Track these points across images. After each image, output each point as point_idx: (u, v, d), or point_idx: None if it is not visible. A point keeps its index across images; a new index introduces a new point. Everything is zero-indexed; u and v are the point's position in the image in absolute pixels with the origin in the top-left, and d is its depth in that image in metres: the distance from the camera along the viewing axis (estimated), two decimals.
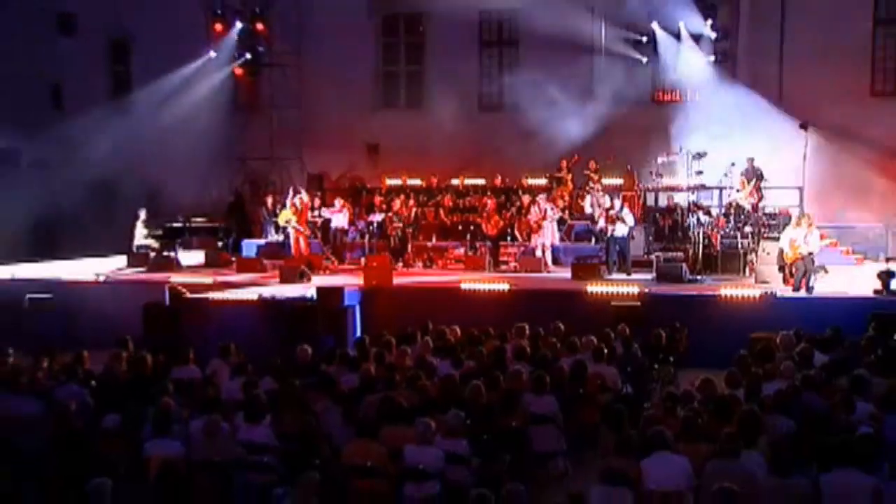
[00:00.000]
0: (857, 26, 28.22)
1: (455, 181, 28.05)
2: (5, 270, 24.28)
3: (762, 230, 22.81)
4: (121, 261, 26.02)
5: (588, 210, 24.68)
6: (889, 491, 8.71)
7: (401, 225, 25.58)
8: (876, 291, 19.48)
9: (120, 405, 12.18)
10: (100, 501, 8.62)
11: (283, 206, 25.74)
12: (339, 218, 25.57)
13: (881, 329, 15.70)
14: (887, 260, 22.26)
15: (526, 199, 25.24)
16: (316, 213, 25.99)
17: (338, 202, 25.95)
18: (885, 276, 19.56)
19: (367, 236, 25.25)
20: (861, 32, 28.28)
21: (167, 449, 10.59)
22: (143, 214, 26.49)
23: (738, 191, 23.60)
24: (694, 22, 28.68)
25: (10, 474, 9.41)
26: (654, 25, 29.06)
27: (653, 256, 22.86)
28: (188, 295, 20.58)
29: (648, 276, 21.85)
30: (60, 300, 21.88)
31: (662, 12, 29.06)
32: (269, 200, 28.02)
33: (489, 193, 26.61)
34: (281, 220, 25.38)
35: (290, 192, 25.77)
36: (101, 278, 23.33)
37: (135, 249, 25.77)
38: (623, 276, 22.17)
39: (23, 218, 32.11)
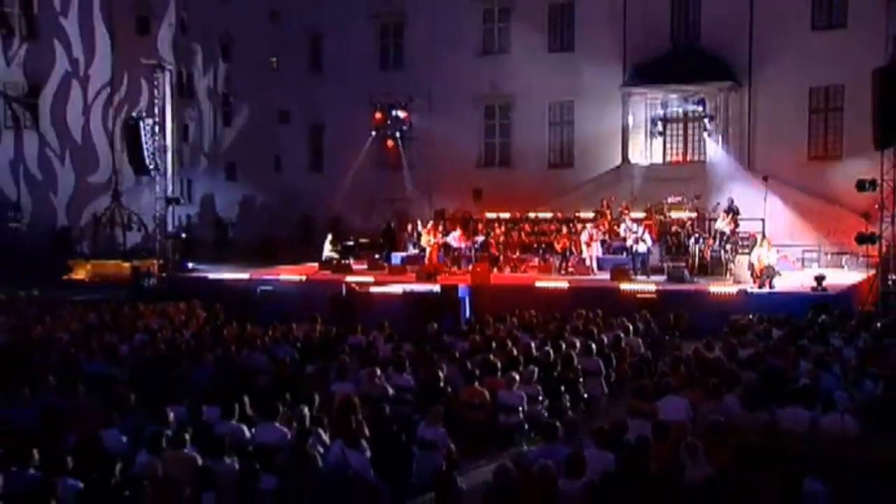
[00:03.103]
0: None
1: (532, 214, 27.85)
2: (245, 273, 24.80)
3: (738, 247, 22.36)
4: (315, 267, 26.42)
5: (622, 234, 24.34)
6: (822, 421, 8.60)
7: (495, 243, 25.61)
8: (813, 288, 19.14)
9: (315, 359, 12.43)
10: (302, 421, 8.77)
11: (419, 232, 25.94)
12: (456, 240, 25.53)
13: (816, 313, 15.42)
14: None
15: (580, 226, 24.98)
16: (440, 236, 26.00)
17: (458, 231, 25.93)
18: (819, 278, 19.31)
19: (473, 251, 25.29)
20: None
21: (345, 388, 10.69)
22: (329, 237, 26.82)
23: (721, 220, 23.25)
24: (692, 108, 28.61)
25: (252, 403, 9.63)
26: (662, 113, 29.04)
27: (665, 264, 22.48)
28: (357, 289, 20.84)
29: (662, 278, 21.49)
30: (279, 291, 22.13)
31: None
32: (409, 227, 28.16)
33: (556, 223, 26.48)
34: (423, 242, 25.47)
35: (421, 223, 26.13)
36: (304, 278, 23.70)
37: (324, 260, 26.06)
38: (644, 277, 21.85)
39: (256, 239, 32.97)
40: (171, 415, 9.07)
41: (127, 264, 27.21)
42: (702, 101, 28.83)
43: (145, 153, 25.97)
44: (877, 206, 19.82)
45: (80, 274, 27.63)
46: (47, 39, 30.91)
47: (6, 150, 29.98)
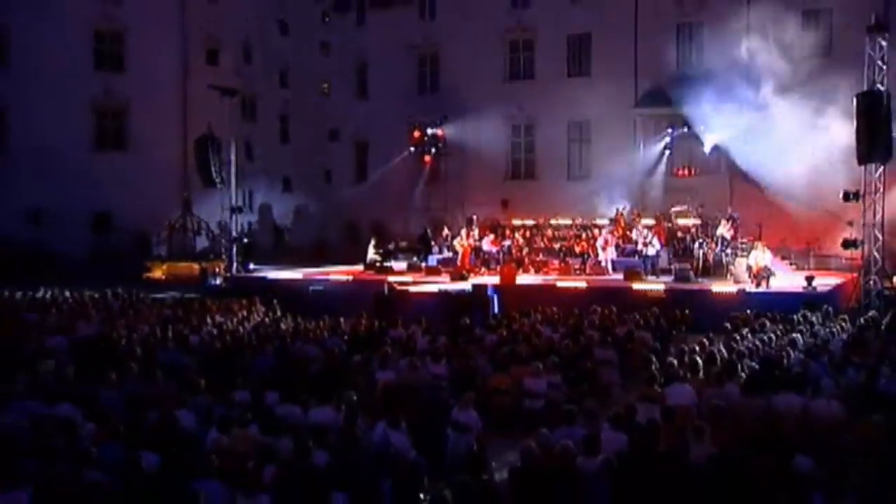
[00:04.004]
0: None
1: (553, 221, 27.72)
2: (299, 273, 24.88)
3: (737, 251, 22.17)
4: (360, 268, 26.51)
5: (634, 239, 24.20)
6: (811, 405, 8.55)
7: (516, 247, 25.55)
8: (804, 288, 19.02)
9: (360, 350, 12.42)
10: (350, 405, 8.83)
11: (453, 237, 25.97)
12: (487, 245, 25.55)
13: (808, 309, 15.35)
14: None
15: (596, 232, 24.90)
16: (474, 240, 25.95)
17: (490, 236, 25.93)
18: (809, 279, 19.28)
19: (501, 254, 25.24)
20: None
21: (387, 376, 10.73)
22: (373, 241, 26.86)
23: (722, 227, 23.06)
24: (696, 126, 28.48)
25: (306, 389, 9.74)
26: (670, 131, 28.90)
27: (672, 266, 22.32)
28: (398, 288, 20.75)
29: (670, 278, 21.33)
30: (328, 290, 22.16)
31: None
32: (444, 232, 28.16)
33: (575, 229, 26.36)
34: (456, 245, 25.48)
35: (461, 231, 26.15)
36: (350, 278, 23.72)
37: (368, 262, 26.10)
38: (654, 278, 21.71)
39: (308, 244, 33.21)
40: (236, 398, 9.21)
41: (197, 265, 27.53)
42: (705, 120, 28.71)
43: (212, 168, 26.29)
44: (860, 215, 19.78)
45: (157, 274, 28.01)
46: (134, 71, 31.63)
47: (99, 165, 30.69)
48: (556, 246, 25.83)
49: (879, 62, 18.53)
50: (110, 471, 6.72)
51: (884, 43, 18.57)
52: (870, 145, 18.35)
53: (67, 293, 19.56)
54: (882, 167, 18.88)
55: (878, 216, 18.99)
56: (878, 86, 18.33)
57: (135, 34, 31.77)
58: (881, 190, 19.00)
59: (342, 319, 15.29)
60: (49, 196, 29.57)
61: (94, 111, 32.07)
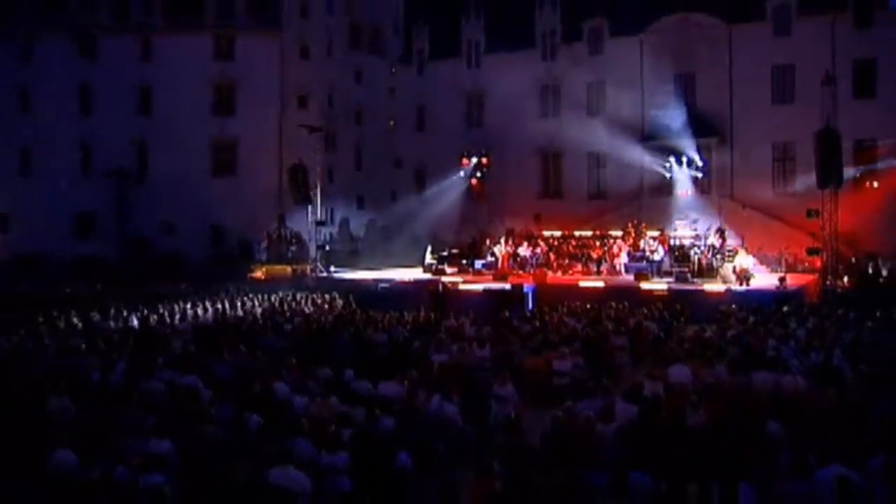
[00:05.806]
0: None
1: (576, 232, 27.41)
2: (370, 274, 25.04)
3: (724, 257, 21.76)
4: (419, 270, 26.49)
5: (642, 247, 23.82)
6: (782, 381, 8.43)
7: (550, 253, 25.33)
8: (777, 287, 18.87)
9: (419, 337, 12.48)
10: (411, 381, 8.88)
11: (495, 245, 25.87)
12: (524, 251, 25.40)
13: (780, 304, 15.28)
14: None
15: (611, 241, 24.58)
16: (511, 248, 25.80)
17: (526, 244, 25.76)
18: (781, 279, 19.30)
19: (534, 259, 25.06)
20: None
21: (441, 358, 10.75)
22: (429, 247, 26.90)
23: (712, 237, 22.64)
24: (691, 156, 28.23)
25: (375, 367, 9.83)
26: (672, 160, 28.45)
27: (673, 269, 21.88)
28: (450, 286, 20.74)
29: (671, 279, 20.95)
30: (394, 288, 22.18)
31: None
32: (488, 241, 28.04)
33: (594, 238, 26.04)
34: (497, 252, 25.31)
35: (500, 240, 26.04)
36: (412, 278, 23.70)
37: (425, 265, 26.12)
38: (658, 279, 21.34)
39: (377, 250, 33.46)
40: (320, 374, 9.36)
41: (289, 268, 27.93)
42: (698, 150, 28.70)
43: (302, 189, 26.77)
44: (820, 229, 20.11)
45: (259, 274, 28.45)
46: (243, 114, 32.58)
47: (215, 188, 31.72)
48: (579, 252, 25.57)
49: (831, 107, 19.47)
50: (224, 427, 6.91)
51: (834, 92, 19.50)
52: (826, 173, 19.42)
53: (191, 288, 20.09)
54: (836, 190, 19.70)
55: (834, 229, 19.74)
56: (831, 125, 18.93)
57: (243, 86, 32.88)
58: (836, 208, 19.77)
59: (404, 312, 15.42)
60: (178, 212, 30.76)
61: (212, 146, 33.15)
